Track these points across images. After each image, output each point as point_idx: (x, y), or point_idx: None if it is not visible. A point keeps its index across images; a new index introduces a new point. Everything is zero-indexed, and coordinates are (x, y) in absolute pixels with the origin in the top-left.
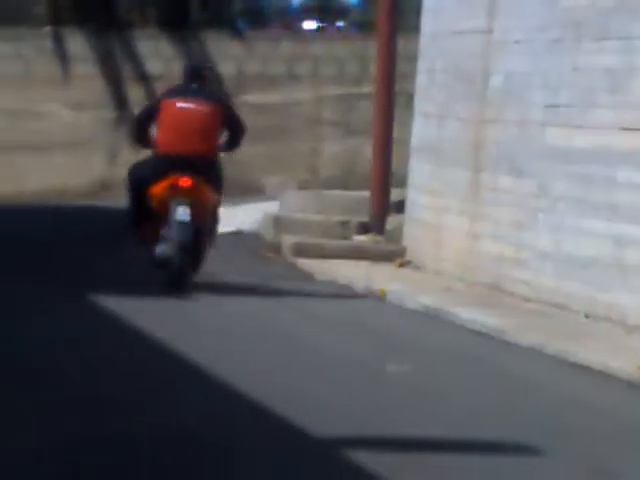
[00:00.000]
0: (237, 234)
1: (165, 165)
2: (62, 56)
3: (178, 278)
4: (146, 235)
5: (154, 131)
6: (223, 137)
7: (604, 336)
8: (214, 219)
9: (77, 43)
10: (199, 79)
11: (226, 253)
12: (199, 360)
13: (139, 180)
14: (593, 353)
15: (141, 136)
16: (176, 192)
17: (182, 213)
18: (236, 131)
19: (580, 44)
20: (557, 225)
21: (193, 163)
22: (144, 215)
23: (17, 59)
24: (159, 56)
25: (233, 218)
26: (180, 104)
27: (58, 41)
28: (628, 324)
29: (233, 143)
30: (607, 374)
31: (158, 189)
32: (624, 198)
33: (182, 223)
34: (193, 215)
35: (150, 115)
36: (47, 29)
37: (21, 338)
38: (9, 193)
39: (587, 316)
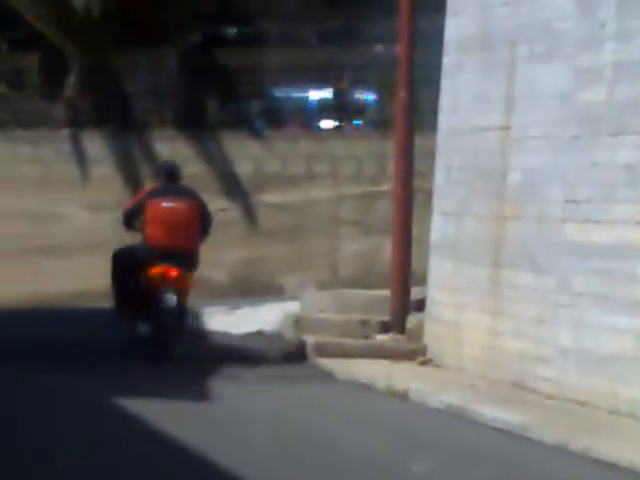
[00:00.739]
0: (259, 334)
1: (154, 255)
2: (80, 158)
3: (166, 351)
4: (125, 310)
5: (142, 224)
6: None
7: (627, 432)
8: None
9: (95, 145)
10: (176, 178)
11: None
12: (225, 465)
13: (126, 265)
14: (618, 449)
15: (130, 226)
16: (165, 281)
17: (170, 299)
18: (209, 223)
19: (598, 139)
20: (578, 321)
21: (178, 255)
22: (125, 293)
23: (36, 161)
24: (177, 157)
25: (254, 318)
26: (165, 203)
27: (76, 143)
28: None
29: (206, 233)
30: (633, 471)
31: (151, 274)
32: None
33: (169, 308)
34: (177, 299)
35: (137, 212)
36: (65, 131)
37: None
38: (30, 296)
39: (610, 412)
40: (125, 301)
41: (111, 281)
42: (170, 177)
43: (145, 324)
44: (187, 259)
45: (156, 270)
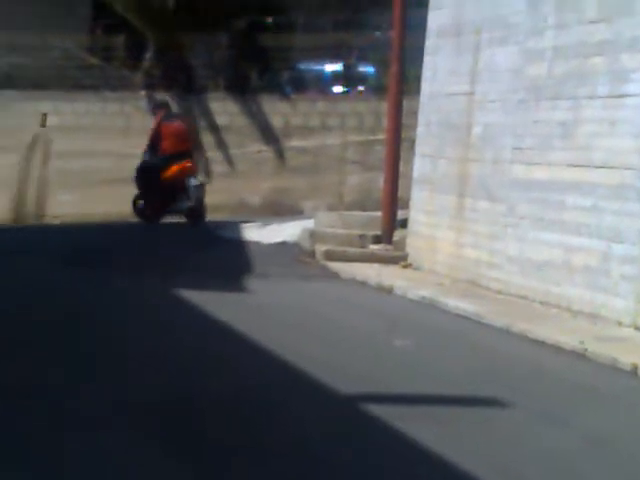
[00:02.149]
0: (283, 244)
1: (172, 158)
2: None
3: (199, 218)
4: (152, 210)
5: (159, 141)
6: None
7: (555, 319)
8: None
9: None
10: (170, 108)
11: (276, 258)
12: (254, 338)
13: (151, 171)
14: (547, 331)
15: (155, 149)
16: (185, 171)
17: (194, 181)
18: (193, 134)
19: (539, 103)
20: (521, 237)
21: (185, 155)
22: (150, 194)
23: (120, 115)
24: (226, 112)
25: (281, 232)
26: (174, 123)
27: (151, 101)
28: (573, 310)
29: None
30: (557, 347)
31: (173, 171)
32: (571, 216)
33: (196, 186)
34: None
35: (157, 136)
36: (143, 93)
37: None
38: (113, 213)
39: (542, 304)
40: (149, 201)
41: (138, 190)
42: (168, 108)
43: (181, 202)
44: (189, 156)
45: (177, 166)
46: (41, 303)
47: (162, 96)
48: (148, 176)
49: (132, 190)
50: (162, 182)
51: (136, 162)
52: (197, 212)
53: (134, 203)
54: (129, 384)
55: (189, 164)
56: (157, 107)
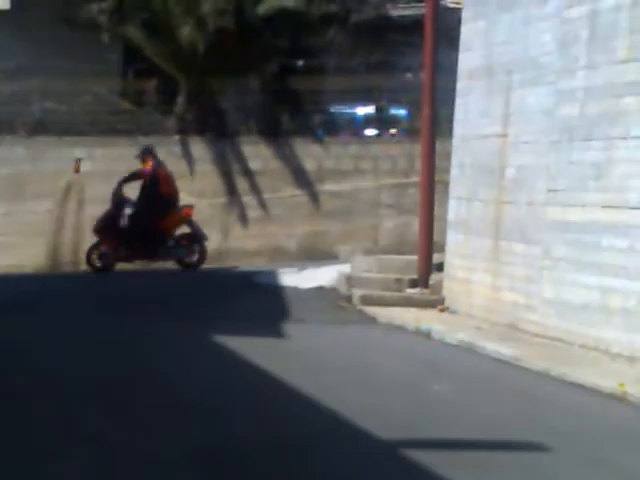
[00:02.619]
0: (320, 289)
1: (170, 204)
2: (187, 157)
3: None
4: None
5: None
6: None
7: (593, 362)
8: None
9: (198, 147)
10: (155, 154)
11: (312, 303)
12: (293, 383)
13: (149, 216)
14: (585, 374)
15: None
16: (187, 216)
17: (195, 223)
18: None
19: (572, 144)
20: (557, 279)
21: (177, 200)
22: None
23: None
24: (259, 156)
25: (317, 277)
26: (165, 170)
27: (184, 146)
28: (611, 353)
29: None
30: (596, 390)
31: (179, 216)
32: (607, 258)
33: (197, 226)
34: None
35: (156, 178)
36: (176, 137)
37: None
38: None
39: (581, 347)
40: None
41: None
42: (154, 154)
43: (182, 249)
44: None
45: (180, 213)
46: (104, 360)
47: (147, 143)
48: (145, 222)
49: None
50: (161, 228)
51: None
52: (202, 252)
53: (111, 252)
54: (164, 435)
55: (189, 210)
56: (146, 153)
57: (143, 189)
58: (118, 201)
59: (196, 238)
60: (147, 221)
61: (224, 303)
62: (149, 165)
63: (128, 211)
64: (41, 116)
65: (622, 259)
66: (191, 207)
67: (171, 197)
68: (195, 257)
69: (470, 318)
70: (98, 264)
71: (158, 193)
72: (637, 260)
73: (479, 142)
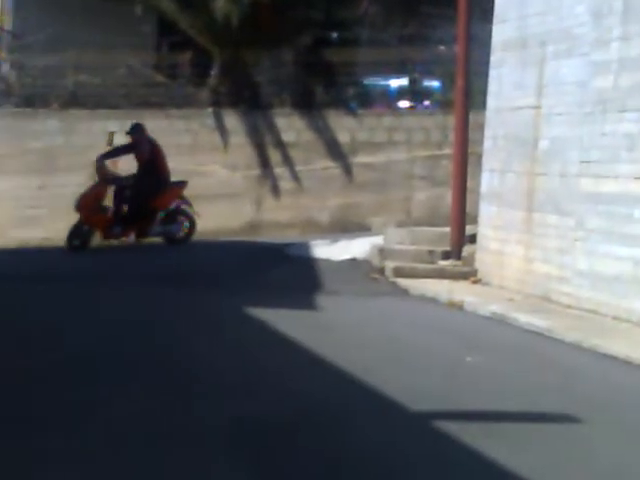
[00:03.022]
0: (353, 261)
1: (166, 181)
2: (220, 130)
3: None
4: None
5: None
6: None
7: (626, 333)
8: None
9: (231, 120)
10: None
11: (345, 275)
12: (324, 355)
13: (149, 193)
14: (618, 346)
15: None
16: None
17: (187, 201)
18: None
19: (606, 115)
20: (590, 250)
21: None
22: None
23: (187, 132)
24: (292, 128)
25: (350, 249)
26: (159, 146)
27: (217, 118)
28: None
29: None
30: (629, 362)
31: (173, 191)
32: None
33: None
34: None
35: (156, 154)
36: (209, 110)
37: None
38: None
39: (613, 319)
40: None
41: (128, 211)
42: (145, 131)
43: (173, 225)
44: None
45: (175, 189)
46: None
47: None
48: (144, 199)
49: (201, 207)
50: (158, 204)
51: (206, 180)
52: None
53: (108, 225)
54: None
55: (183, 187)
56: (137, 128)
57: (143, 165)
58: (105, 178)
59: (186, 213)
60: (145, 198)
61: (256, 275)
62: (143, 141)
63: (126, 189)
64: (74, 89)
65: None
66: (185, 183)
67: (168, 173)
68: (183, 232)
69: (503, 290)
70: (76, 242)
71: (158, 169)
72: None
73: (512, 114)
